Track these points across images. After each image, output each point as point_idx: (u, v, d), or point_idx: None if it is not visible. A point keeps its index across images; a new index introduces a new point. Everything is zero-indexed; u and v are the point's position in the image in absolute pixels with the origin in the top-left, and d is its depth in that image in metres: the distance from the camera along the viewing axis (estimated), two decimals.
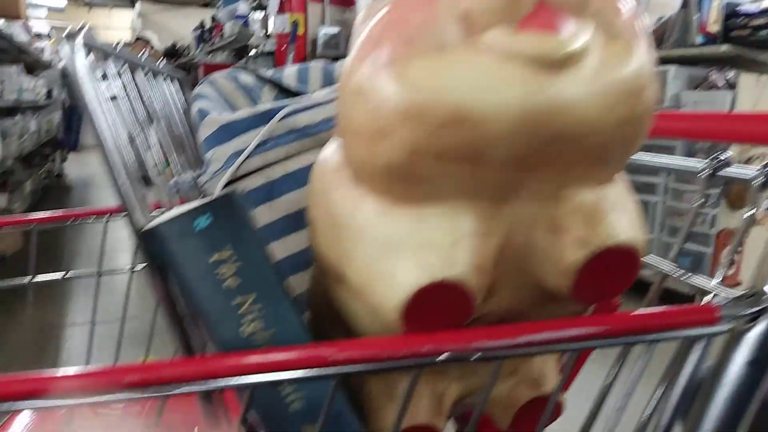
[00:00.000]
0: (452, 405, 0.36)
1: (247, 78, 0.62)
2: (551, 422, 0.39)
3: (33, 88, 3.86)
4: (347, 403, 0.31)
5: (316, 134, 0.47)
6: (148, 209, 0.30)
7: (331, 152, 0.31)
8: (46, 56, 4.76)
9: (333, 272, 0.30)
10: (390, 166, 0.26)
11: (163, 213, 0.30)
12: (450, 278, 0.26)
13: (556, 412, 0.37)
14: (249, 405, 0.26)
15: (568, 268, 0.27)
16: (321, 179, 0.31)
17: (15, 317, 2.20)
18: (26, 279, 0.65)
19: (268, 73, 0.63)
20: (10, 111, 3.43)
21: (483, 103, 0.23)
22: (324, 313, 0.36)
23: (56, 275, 0.67)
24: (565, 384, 0.42)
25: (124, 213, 0.29)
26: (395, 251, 0.27)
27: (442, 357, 0.26)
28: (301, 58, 3.15)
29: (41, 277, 0.67)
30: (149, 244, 0.29)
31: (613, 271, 0.27)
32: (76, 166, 6.26)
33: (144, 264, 0.70)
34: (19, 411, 0.44)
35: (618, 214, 0.28)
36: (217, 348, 0.29)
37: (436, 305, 0.26)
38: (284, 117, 0.47)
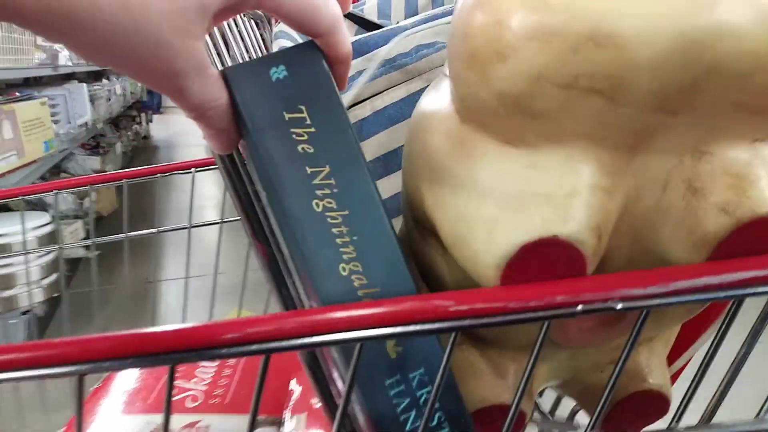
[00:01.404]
0: (543, 385, 0.33)
1: None
2: (656, 420, 0.35)
3: None
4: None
5: (407, 65, 0.43)
6: None
7: (435, 88, 0.28)
8: None
9: (425, 223, 0.27)
10: (505, 96, 0.22)
11: None
12: (563, 235, 0.22)
13: (662, 409, 0.32)
14: (358, 361, 0.24)
15: (705, 238, 0.22)
16: (422, 117, 0.27)
17: (114, 275, 2.34)
18: (122, 235, 0.67)
19: None
20: (97, 75, 3.57)
21: (630, 21, 0.19)
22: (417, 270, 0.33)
23: (150, 231, 0.68)
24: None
25: None
26: (499, 199, 0.23)
27: (579, 308, 0.22)
28: None
29: (136, 233, 0.68)
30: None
31: (759, 245, 0.22)
32: (161, 127, 6.52)
33: (233, 218, 0.69)
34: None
35: None
36: (289, 221, 0.25)
37: (540, 268, 0.22)
38: (373, 48, 0.44)
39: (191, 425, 0.34)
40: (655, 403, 0.32)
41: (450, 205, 0.25)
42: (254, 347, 0.23)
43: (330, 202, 0.25)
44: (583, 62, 0.20)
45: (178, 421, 0.35)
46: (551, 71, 0.21)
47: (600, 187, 0.22)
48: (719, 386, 0.28)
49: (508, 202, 0.23)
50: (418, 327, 0.23)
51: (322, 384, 0.30)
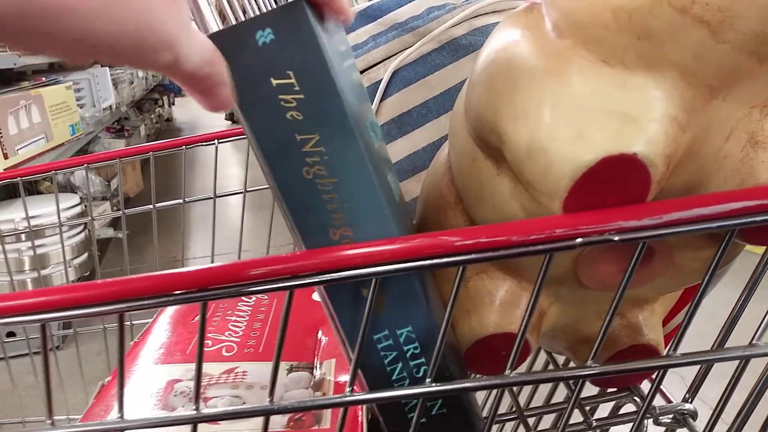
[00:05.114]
0: (547, 327, 0.34)
1: None
2: (647, 376, 0.37)
3: None
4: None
5: (419, 27, 0.45)
6: None
7: (513, 18, 0.29)
8: None
9: (488, 140, 0.28)
10: (622, 10, 0.23)
11: None
12: (641, 154, 0.23)
13: None
14: (374, 294, 0.25)
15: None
16: (505, 38, 0.28)
17: (142, 254, 2.40)
18: (150, 206, 0.69)
19: None
20: None
21: None
22: (443, 216, 0.35)
23: (177, 201, 0.70)
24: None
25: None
26: (587, 113, 0.24)
27: (578, 241, 0.24)
28: None
29: (164, 203, 0.71)
30: None
31: None
32: (183, 110, 6.58)
33: (256, 188, 0.71)
34: (161, 312, 0.47)
35: None
36: (279, 187, 0.26)
37: (608, 186, 0.24)
38: (386, 12, 0.45)
39: (230, 371, 0.37)
40: (649, 358, 0.33)
41: (533, 117, 0.25)
42: (279, 284, 0.25)
43: (320, 170, 0.25)
44: None
45: (217, 368, 0.37)
46: None
47: (677, 120, 0.24)
48: (727, 319, 0.30)
49: (594, 116, 0.24)
50: (428, 261, 0.24)
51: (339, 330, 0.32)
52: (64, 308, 0.26)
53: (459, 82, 0.45)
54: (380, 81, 0.45)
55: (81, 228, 2.02)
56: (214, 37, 0.24)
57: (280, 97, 0.24)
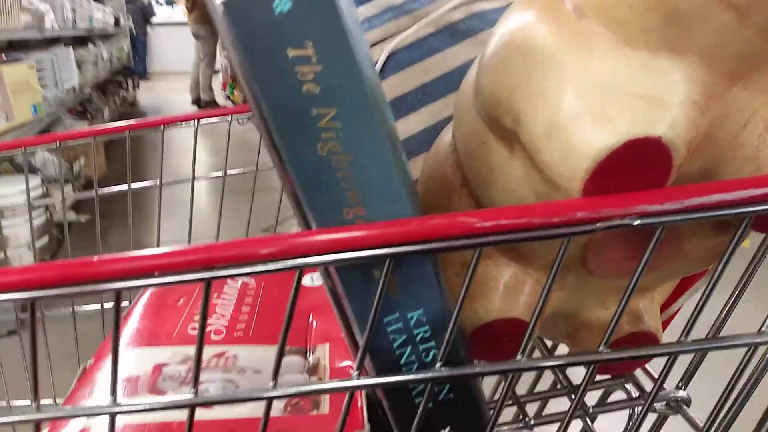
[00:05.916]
0: (549, 313, 0.34)
1: None
2: (645, 363, 0.37)
3: (102, 16, 3.91)
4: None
5: (416, 10, 0.44)
6: None
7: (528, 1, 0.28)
8: None
9: (501, 121, 0.27)
10: None
11: None
12: (665, 138, 0.23)
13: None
14: (386, 277, 0.25)
15: None
16: (522, 18, 0.27)
17: (107, 239, 2.35)
18: (125, 186, 0.67)
19: None
20: (83, 40, 3.50)
21: None
22: (446, 200, 0.34)
23: (153, 182, 0.68)
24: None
25: None
26: (610, 94, 0.23)
27: (598, 225, 0.23)
28: None
29: (140, 184, 0.68)
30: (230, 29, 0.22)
31: None
32: (148, 94, 6.43)
33: (239, 170, 0.69)
34: (141, 295, 0.45)
35: None
36: (292, 163, 0.24)
37: (630, 170, 0.23)
38: None
39: (220, 355, 0.35)
40: (649, 345, 0.34)
41: (552, 97, 0.25)
42: (290, 262, 0.24)
43: (335, 146, 0.24)
44: None
45: (206, 351, 0.36)
46: None
47: (698, 104, 0.24)
48: (725, 305, 0.30)
49: (617, 98, 0.23)
50: (444, 243, 0.24)
51: (344, 314, 0.31)
52: (56, 286, 0.24)
53: (456, 67, 0.44)
54: (375, 63, 0.44)
55: (41, 211, 1.96)
56: (228, 6, 0.22)
57: (297, 68, 0.23)
